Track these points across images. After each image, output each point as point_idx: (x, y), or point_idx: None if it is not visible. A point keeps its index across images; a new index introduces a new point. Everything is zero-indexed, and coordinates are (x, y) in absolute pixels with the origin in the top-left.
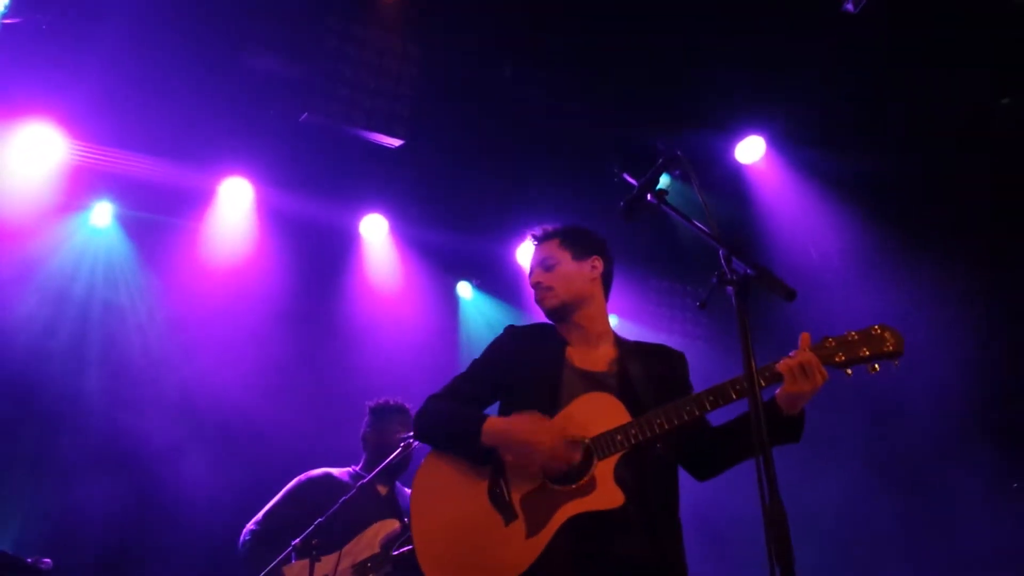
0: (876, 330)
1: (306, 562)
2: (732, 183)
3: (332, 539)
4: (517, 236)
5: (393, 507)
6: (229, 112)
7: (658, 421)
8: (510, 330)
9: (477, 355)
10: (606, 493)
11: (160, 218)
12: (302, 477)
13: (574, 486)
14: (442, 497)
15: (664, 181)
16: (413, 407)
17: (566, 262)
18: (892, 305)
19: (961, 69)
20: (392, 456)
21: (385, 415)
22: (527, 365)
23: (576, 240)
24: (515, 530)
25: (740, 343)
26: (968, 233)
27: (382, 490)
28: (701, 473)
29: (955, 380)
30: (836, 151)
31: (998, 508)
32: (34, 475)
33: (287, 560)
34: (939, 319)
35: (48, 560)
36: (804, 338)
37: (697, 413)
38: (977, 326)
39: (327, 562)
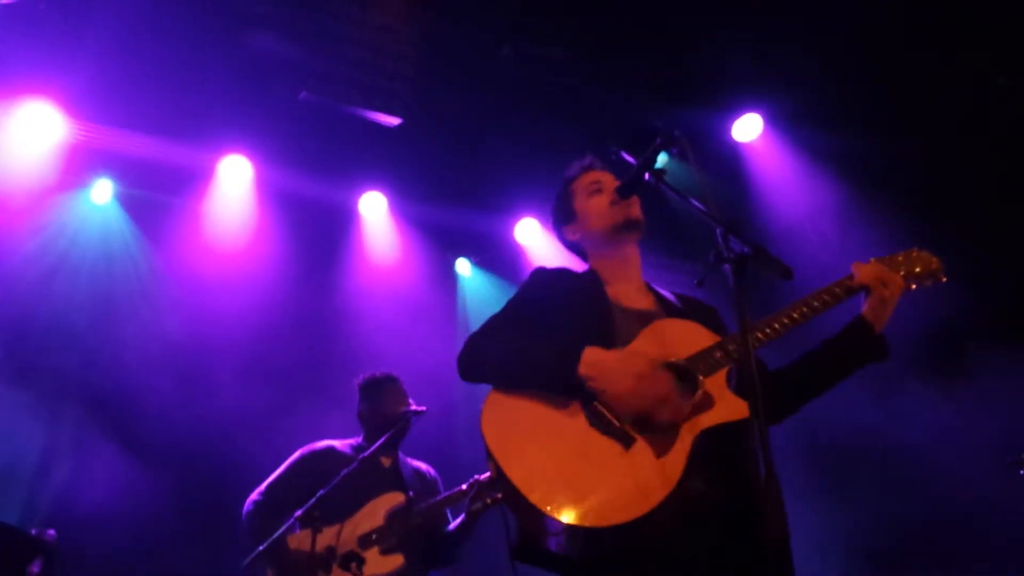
0: (915, 252)
1: (308, 532)
2: (729, 162)
3: (335, 511)
4: (516, 214)
5: (397, 479)
6: (228, 90)
7: (757, 335)
8: (540, 271)
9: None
10: (729, 404)
11: (160, 195)
12: (305, 449)
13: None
14: (533, 436)
15: (662, 160)
16: (410, 383)
17: None
18: None
19: (961, 48)
20: (394, 429)
21: (379, 389)
22: (569, 304)
23: None
24: (641, 453)
25: (737, 321)
26: (966, 213)
27: (385, 461)
28: (778, 414)
29: None
30: (834, 130)
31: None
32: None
33: (291, 530)
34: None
35: (52, 531)
36: (856, 264)
37: (797, 319)
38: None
39: (329, 533)
